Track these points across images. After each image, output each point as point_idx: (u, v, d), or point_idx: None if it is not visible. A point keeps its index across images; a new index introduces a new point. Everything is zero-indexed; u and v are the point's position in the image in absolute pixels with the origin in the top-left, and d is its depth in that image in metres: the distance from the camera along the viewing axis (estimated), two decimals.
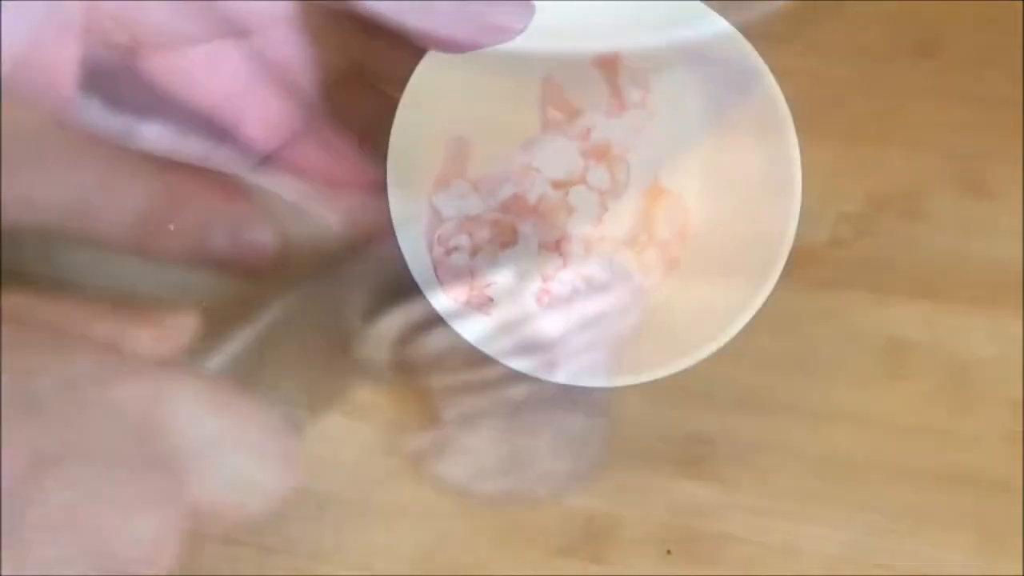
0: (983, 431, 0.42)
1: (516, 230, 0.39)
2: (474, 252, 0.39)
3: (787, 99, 0.51)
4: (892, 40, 0.53)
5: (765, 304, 0.46)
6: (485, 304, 0.39)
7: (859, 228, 0.48)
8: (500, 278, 0.39)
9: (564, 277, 0.40)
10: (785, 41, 0.53)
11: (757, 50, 0.40)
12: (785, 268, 0.47)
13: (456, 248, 0.39)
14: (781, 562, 0.39)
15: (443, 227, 0.39)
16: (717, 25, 0.39)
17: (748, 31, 0.40)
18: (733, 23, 0.38)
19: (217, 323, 0.47)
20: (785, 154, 0.39)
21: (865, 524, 0.40)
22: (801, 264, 0.47)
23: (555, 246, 0.40)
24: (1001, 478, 0.40)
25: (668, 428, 0.42)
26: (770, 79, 0.39)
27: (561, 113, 0.40)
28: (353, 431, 0.43)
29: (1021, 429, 0.41)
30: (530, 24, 0.33)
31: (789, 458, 0.41)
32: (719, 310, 0.39)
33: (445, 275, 0.39)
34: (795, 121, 0.50)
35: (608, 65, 0.41)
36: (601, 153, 0.41)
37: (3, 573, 0.40)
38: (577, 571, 0.39)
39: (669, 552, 0.40)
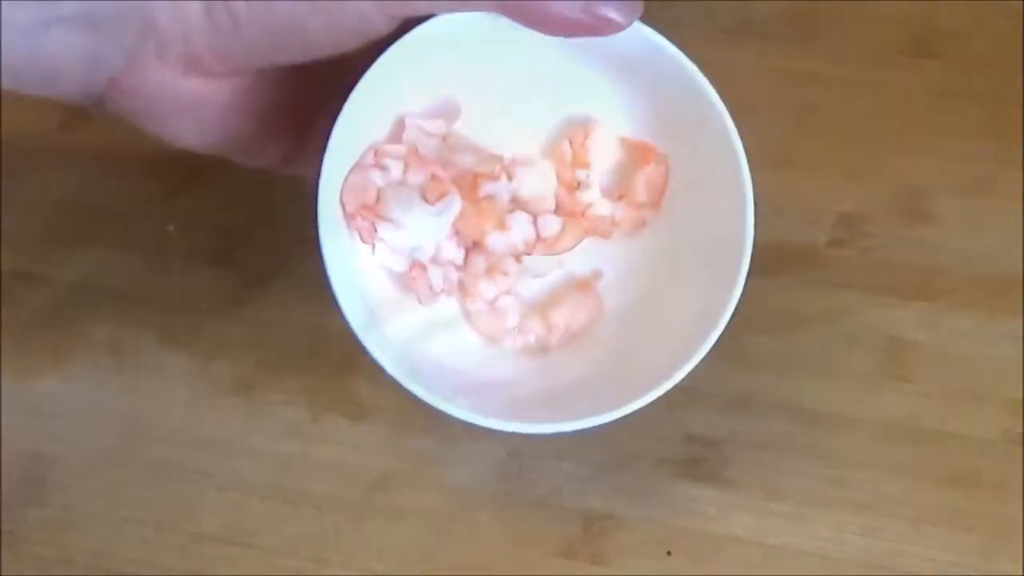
0: (983, 431, 0.42)
1: (445, 198, 0.38)
2: (395, 183, 0.37)
3: (788, 100, 0.51)
4: (893, 40, 0.53)
5: (765, 304, 0.46)
6: (368, 232, 0.37)
7: (858, 228, 0.48)
8: (401, 220, 0.37)
9: (449, 275, 0.38)
10: (786, 42, 0.53)
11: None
12: (785, 268, 0.47)
13: (384, 168, 0.37)
14: (781, 563, 0.39)
15: (388, 145, 0.37)
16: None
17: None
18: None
19: (219, 324, 0.47)
20: (729, 151, 0.36)
21: (864, 524, 0.40)
22: (801, 264, 0.47)
23: (464, 242, 0.39)
24: (1001, 478, 0.40)
25: (668, 428, 0.42)
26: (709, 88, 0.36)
27: (571, 154, 0.39)
28: (353, 431, 0.43)
29: (1021, 429, 0.41)
30: (634, 20, 0.33)
31: (789, 458, 0.41)
32: (693, 319, 0.37)
33: (354, 182, 0.37)
34: (795, 122, 0.51)
35: (637, 154, 0.39)
36: (571, 213, 0.39)
37: (3, 572, 0.40)
38: (577, 571, 0.39)
39: (669, 553, 0.40)
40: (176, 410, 0.44)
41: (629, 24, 0.33)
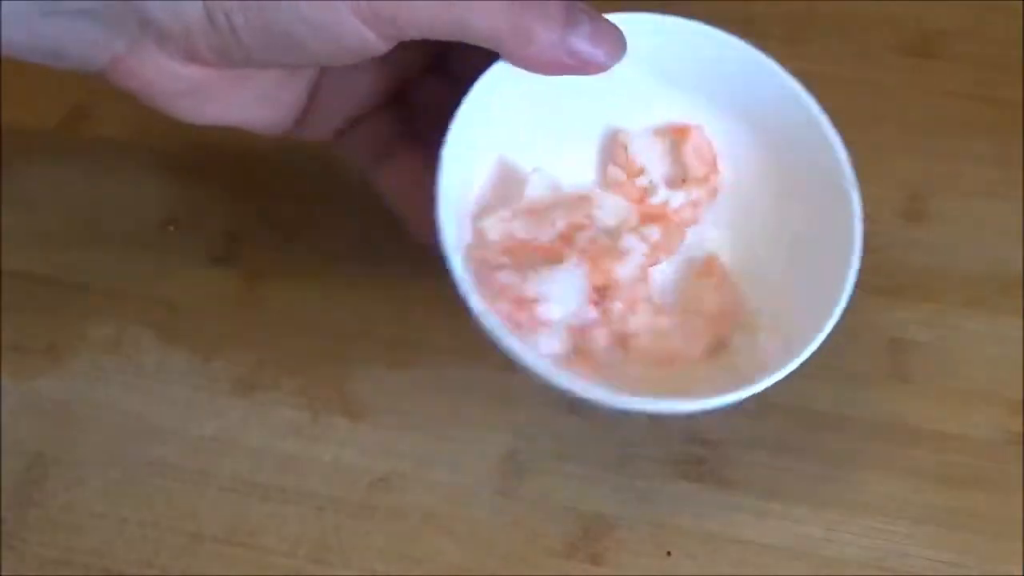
0: (983, 431, 0.42)
1: (563, 256, 0.37)
2: (520, 268, 0.37)
3: None
4: (892, 40, 0.53)
5: None
6: (530, 324, 0.36)
7: None
8: (550, 293, 0.37)
9: (601, 336, 0.38)
10: (785, 42, 0.53)
11: (760, 50, 0.40)
12: None
13: (502, 266, 0.37)
14: (781, 563, 0.39)
15: (487, 248, 0.37)
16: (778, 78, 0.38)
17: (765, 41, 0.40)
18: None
19: (219, 324, 0.47)
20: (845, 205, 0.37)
21: (865, 524, 0.40)
22: None
23: (599, 293, 0.38)
24: (1001, 478, 0.40)
25: (668, 428, 0.42)
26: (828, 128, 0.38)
27: (622, 171, 0.39)
28: (353, 431, 0.43)
29: (1021, 429, 0.41)
30: (618, 62, 0.35)
31: (789, 458, 0.41)
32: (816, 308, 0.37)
33: (488, 292, 0.36)
34: None
35: (675, 136, 0.40)
36: (657, 217, 0.40)
37: (3, 572, 0.41)
38: (577, 571, 0.39)
39: (669, 553, 0.40)
40: (176, 410, 0.44)
41: (612, 64, 0.35)
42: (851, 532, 0.40)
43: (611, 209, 0.39)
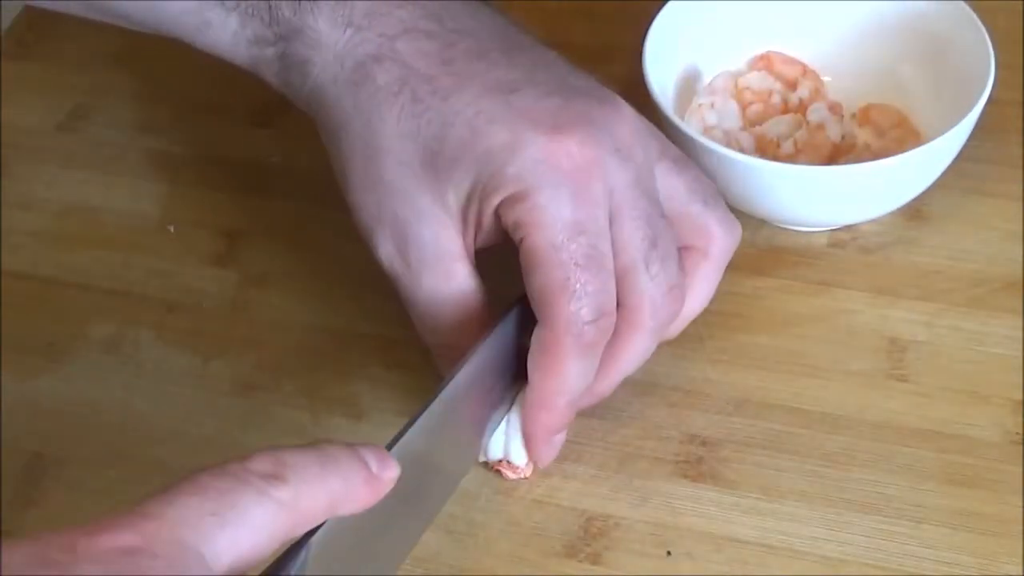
0: (983, 431, 0.42)
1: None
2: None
3: None
4: None
5: (765, 304, 0.46)
6: None
7: (858, 228, 0.48)
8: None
9: None
10: None
11: None
12: (785, 268, 0.47)
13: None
14: (781, 562, 0.39)
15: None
16: None
17: None
18: None
19: (219, 324, 0.47)
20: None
21: (865, 524, 0.40)
22: (801, 264, 0.47)
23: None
24: (1001, 478, 0.40)
25: (668, 428, 0.42)
26: None
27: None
28: (353, 431, 0.43)
29: (1021, 429, 0.41)
30: None
31: (789, 458, 0.41)
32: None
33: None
34: None
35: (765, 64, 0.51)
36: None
37: (3, 573, 0.40)
38: (577, 571, 0.39)
39: (669, 553, 0.40)
40: (176, 410, 0.44)
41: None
42: (851, 532, 0.40)
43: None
